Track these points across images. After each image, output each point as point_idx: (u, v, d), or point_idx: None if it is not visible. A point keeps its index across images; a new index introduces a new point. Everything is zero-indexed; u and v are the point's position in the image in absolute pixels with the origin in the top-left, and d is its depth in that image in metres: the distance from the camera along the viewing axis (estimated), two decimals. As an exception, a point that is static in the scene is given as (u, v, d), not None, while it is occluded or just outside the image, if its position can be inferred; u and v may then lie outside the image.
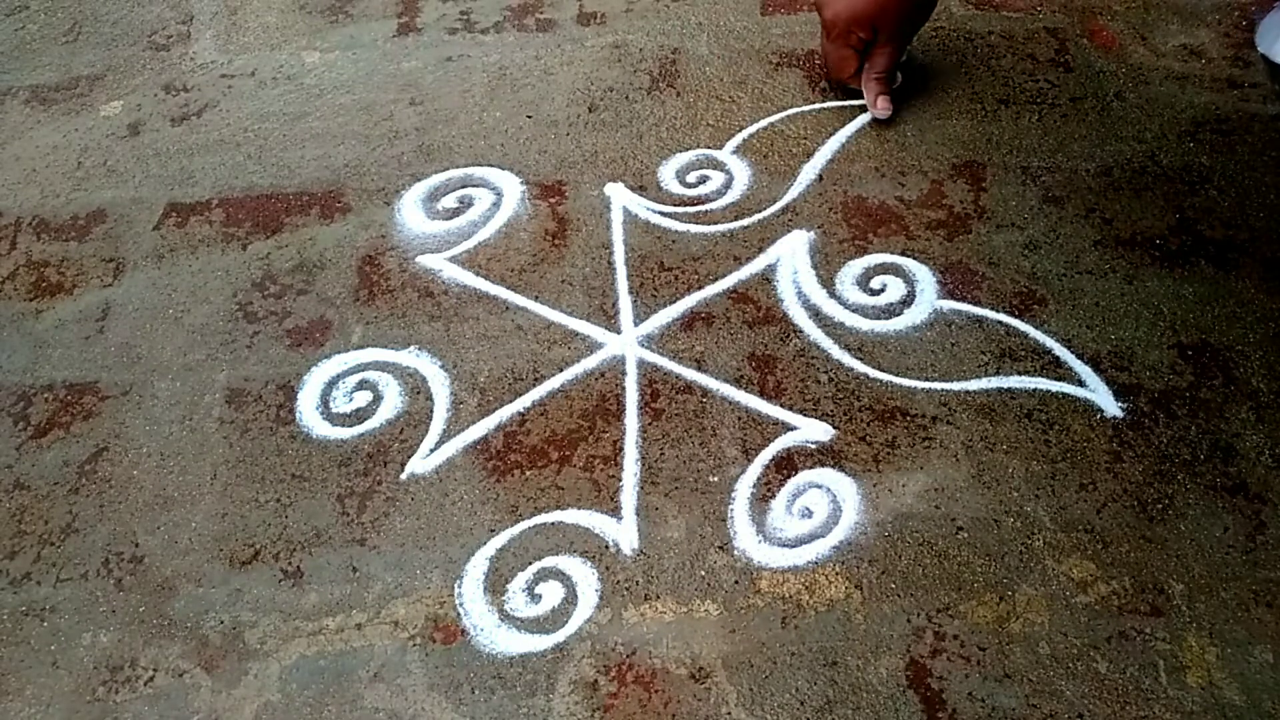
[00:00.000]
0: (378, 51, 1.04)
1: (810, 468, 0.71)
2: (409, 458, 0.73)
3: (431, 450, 0.74)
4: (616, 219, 0.87)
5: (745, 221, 0.86)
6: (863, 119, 0.93)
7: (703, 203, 0.88)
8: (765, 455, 0.72)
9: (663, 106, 0.96)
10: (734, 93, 0.97)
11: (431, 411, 0.76)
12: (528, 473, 0.72)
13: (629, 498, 0.70)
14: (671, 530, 0.69)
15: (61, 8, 1.13)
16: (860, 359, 0.77)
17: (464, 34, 1.05)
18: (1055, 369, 0.75)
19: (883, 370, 0.76)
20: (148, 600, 0.68)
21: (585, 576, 0.67)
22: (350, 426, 0.75)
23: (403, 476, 0.73)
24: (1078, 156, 0.89)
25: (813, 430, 0.73)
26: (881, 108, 0.92)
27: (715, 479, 0.71)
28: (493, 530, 0.69)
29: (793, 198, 0.88)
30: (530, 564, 0.68)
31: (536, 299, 0.82)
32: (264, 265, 0.86)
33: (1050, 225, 0.84)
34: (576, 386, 0.77)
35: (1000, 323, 0.78)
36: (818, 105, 0.95)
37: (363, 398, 0.77)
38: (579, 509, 0.70)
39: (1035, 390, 0.74)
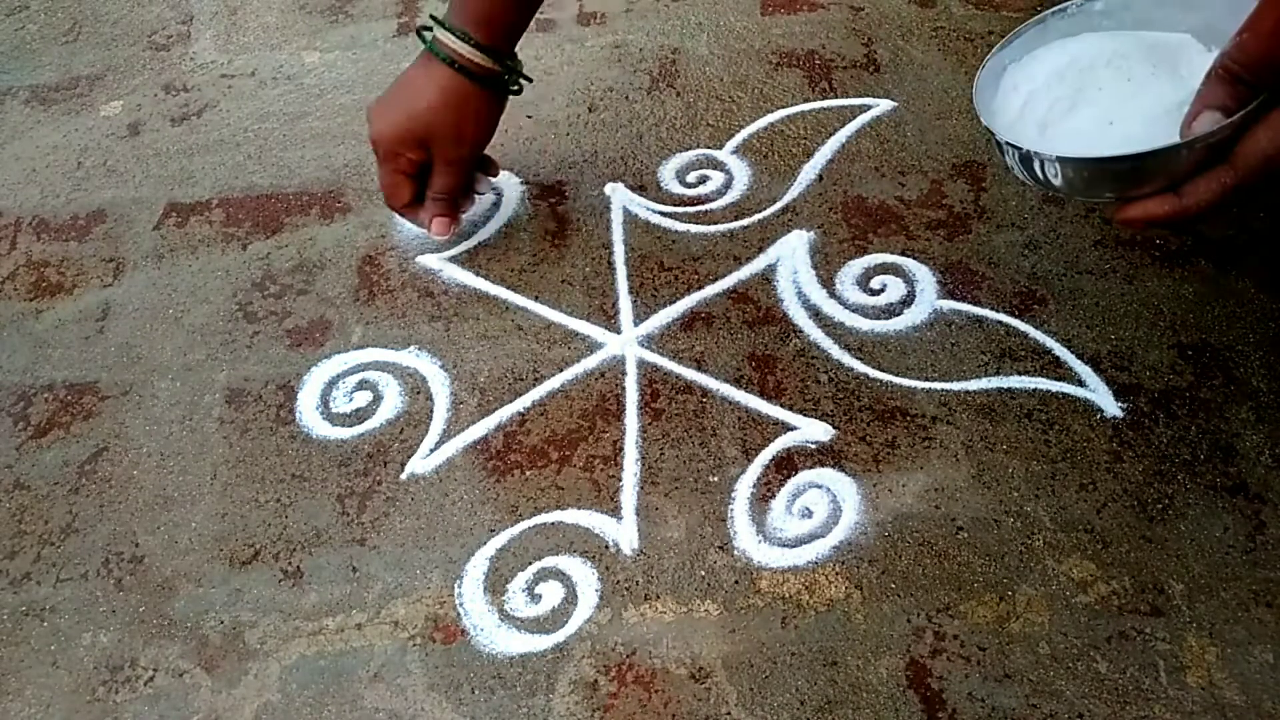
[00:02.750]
0: (378, 51, 1.04)
1: (810, 468, 0.71)
2: (409, 458, 0.73)
3: (431, 450, 0.74)
4: (616, 219, 0.87)
5: (745, 221, 0.86)
6: (863, 119, 0.93)
7: (703, 203, 0.88)
8: (765, 455, 0.72)
9: (663, 106, 0.96)
10: (734, 93, 0.97)
11: (431, 411, 0.76)
12: (528, 473, 0.72)
13: (629, 498, 0.70)
14: (671, 530, 0.69)
15: (61, 8, 1.13)
16: (860, 359, 0.77)
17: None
18: (1055, 369, 0.75)
19: (883, 370, 0.76)
20: (148, 600, 0.68)
21: (585, 576, 0.67)
22: (350, 426, 0.75)
23: (403, 476, 0.73)
24: (1078, 156, 0.89)
25: (813, 430, 0.73)
26: (437, 230, 0.81)
27: (715, 479, 0.71)
28: (493, 530, 0.69)
29: (793, 198, 0.88)
30: (530, 564, 0.68)
31: (536, 299, 0.82)
32: (264, 265, 0.86)
33: (1050, 225, 0.84)
34: (576, 386, 0.77)
35: (1000, 323, 0.78)
36: (818, 105, 0.95)
37: (363, 398, 0.77)
38: (579, 509, 0.70)
39: (1035, 390, 0.74)
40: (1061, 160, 0.55)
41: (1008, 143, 0.58)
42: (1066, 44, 0.63)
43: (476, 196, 0.86)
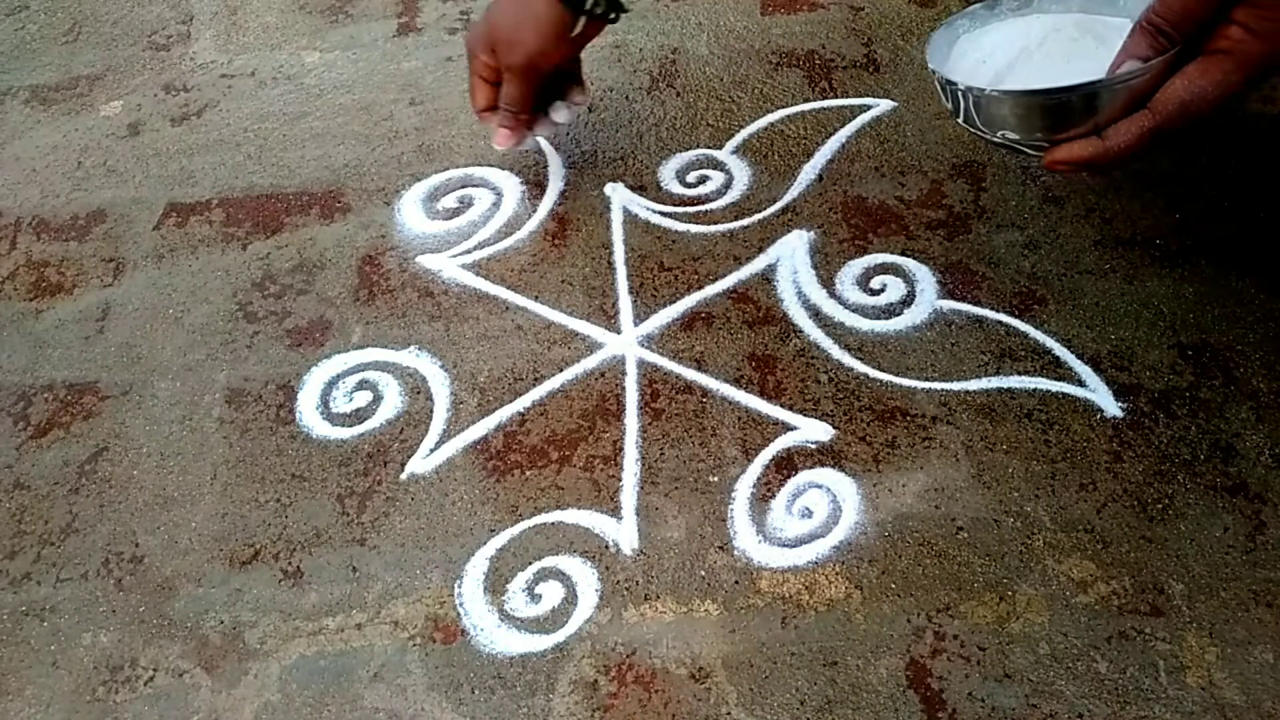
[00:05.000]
0: (378, 51, 1.04)
1: (810, 468, 0.71)
2: (409, 458, 0.73)
3: (431, 450, 0.74)
4: (616, 219, 0.87)
5: (745, 221, 0.86)
6: (863, 119, 0.93)
7: (703, 203, 0.88)
8: (765, 455, 0.72)
9: (663, 106, 0.96)
10: (734, 93, 0.97)
11: (431, 411, 0.76)
12: (528, 473, 0.72)
13: (629, 498, 0.70)
14: (671, 530, 0.69)
15: (61, 8, 1.13)
16: (860, 359, 0.77)
17: (464, 34, 1.05)
18: (1055, 369, 0.75)
19: (883, 370, 0.76)
20: (148, 600, 0.68)
21: (585, 576, 0.67)
22: (350, 426, 0.75)
23: (403, 476, 0.73)
24: (1078, 156, 0.89)
25: (813, 430, 0.73)
26: (496, 141, 0.84)
27: (715, 479, 0.71)
28: (493, 530, 0.69)
29: (793, 198, 0.88)
30: (530, 564, 0.68)
31: (536, 299, 0.82)
32: (264, 265, 0.86)
33: (1050, 225, 0.84)
34: (576, 386, 0.77)
35: (1000, 323, 0.78)
36: (818, 105, 0.95)
37: (363, 398, 0.77)
38: (579, 509, 0.70)
39: (1035, 390, 0.74)
40: (998, 96, 0.60)
41: (948, 83, 0.63)
42: (1015, 21, 0.69)
43: (556, 121, 0.86)
